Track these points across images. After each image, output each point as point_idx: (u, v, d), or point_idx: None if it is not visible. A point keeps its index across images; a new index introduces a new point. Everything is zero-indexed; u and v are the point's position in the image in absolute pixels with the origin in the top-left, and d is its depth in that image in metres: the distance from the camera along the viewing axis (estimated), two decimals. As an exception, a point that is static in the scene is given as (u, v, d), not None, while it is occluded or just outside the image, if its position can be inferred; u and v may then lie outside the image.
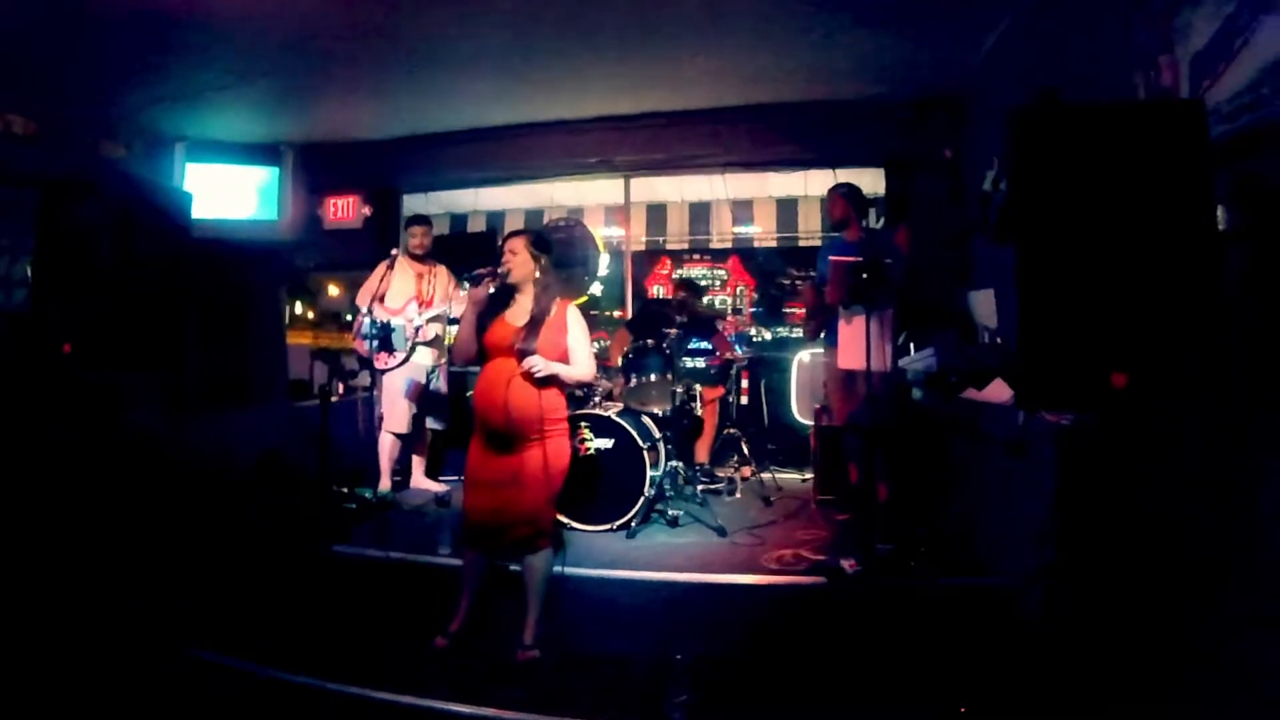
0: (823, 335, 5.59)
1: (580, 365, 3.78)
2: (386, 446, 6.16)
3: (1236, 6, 2.68)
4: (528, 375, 3.61)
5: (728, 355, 7.15)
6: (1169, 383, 2.43)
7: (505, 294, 3.82)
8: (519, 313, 3.77)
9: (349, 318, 7.08)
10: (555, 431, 3.74)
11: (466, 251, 7.45)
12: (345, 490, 5.84)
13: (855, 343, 4.67)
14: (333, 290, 11.03)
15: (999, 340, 4.93)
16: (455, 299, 6.34)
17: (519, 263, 3.77)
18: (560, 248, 8.24)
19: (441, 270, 6.40)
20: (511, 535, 3.66)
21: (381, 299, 5.79)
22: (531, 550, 3.70)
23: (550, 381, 3.70)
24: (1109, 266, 2.42)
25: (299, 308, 10.05)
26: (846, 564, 4.26)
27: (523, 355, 3.61)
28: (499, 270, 3.77)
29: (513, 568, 3.85)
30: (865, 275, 4.62)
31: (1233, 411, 2.60)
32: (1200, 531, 2.75)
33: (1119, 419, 2.71)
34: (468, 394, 7.61)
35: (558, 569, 3.89)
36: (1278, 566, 2.39)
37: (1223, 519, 2.69)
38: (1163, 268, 2.39)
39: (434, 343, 6.27)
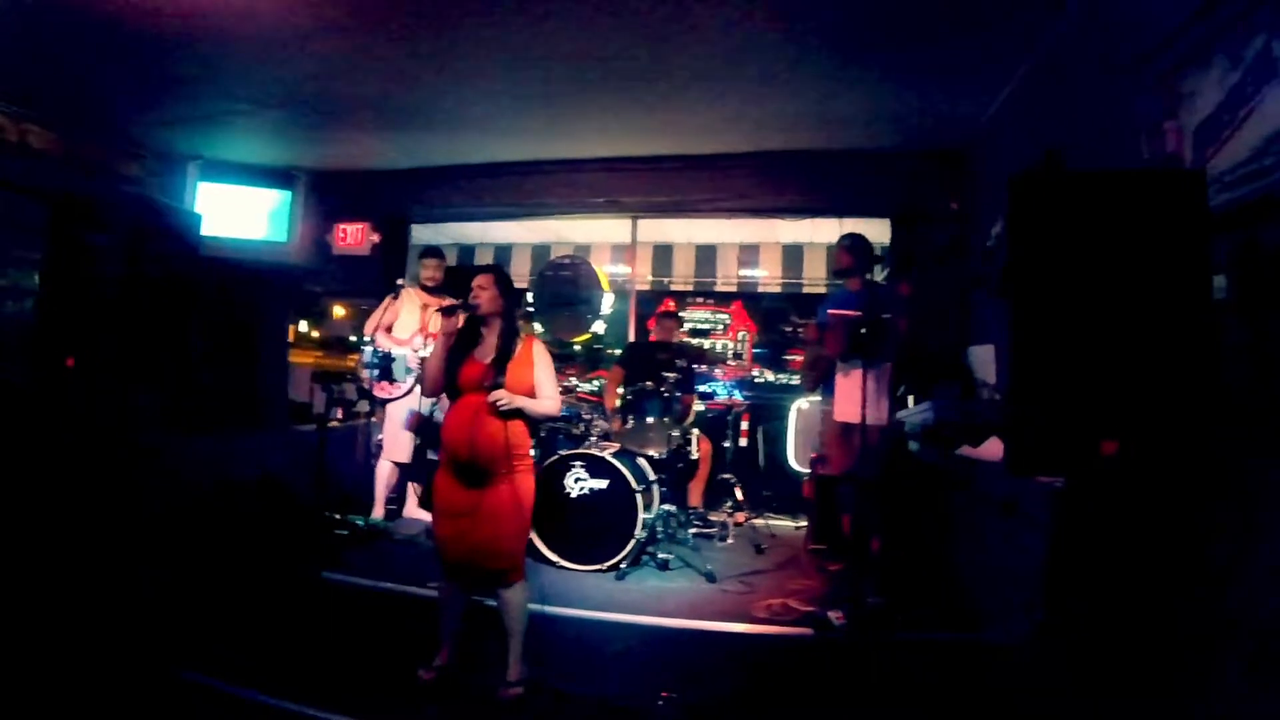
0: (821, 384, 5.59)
1: (546, 400, 3.84)
2: (384, 475, 6.15)
3: (1242, 75, 2.71)
4: (494, 409, 3.65)
5: (692, 403, 7.11)
6: (1161, 451, 2.43)
7: (474, 332, 3.86)
8: (486, 349, 3.83)
9: (354, 339, 7.10)
10: (522, 467, 3.78)
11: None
12: (338, 516, 5.83)
13: (852, 396, 4.67)
14: (338, 311, 11.07)
15: (997, 397, 4.92)
16: None
17: (487, 298, 3.83)
18: (564, 285, 8.37)
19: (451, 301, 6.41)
20: (483, 568, 3.69)
21: (388, 329, 5.82)
22: (505, 585, 3.70)
23: (516, 415, 3.74)
24: (1104, 332, 2.42)
25: (304, 326, 10.07)
26: (834, 616, 4.23)
27: (491, 391, 3.67)
28: (469, 303, 3.81)
29: (490, 603, 3.83)
30: (864, 330, 4.64)
31: (1225, 482, 2.59)
32: (1188, 599, 2.74)
33: (1109, 485, 2.69)
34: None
35: (548, 608, 3.88)
36: (1264, 633, 2.37)
37: (1211, 589, 2.67)
38: (1158, 335, 2.39)
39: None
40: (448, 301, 3.95)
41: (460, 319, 3.84)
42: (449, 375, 3.79)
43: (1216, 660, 2.53)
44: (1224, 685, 2.50)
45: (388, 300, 5.92)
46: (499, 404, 3.64)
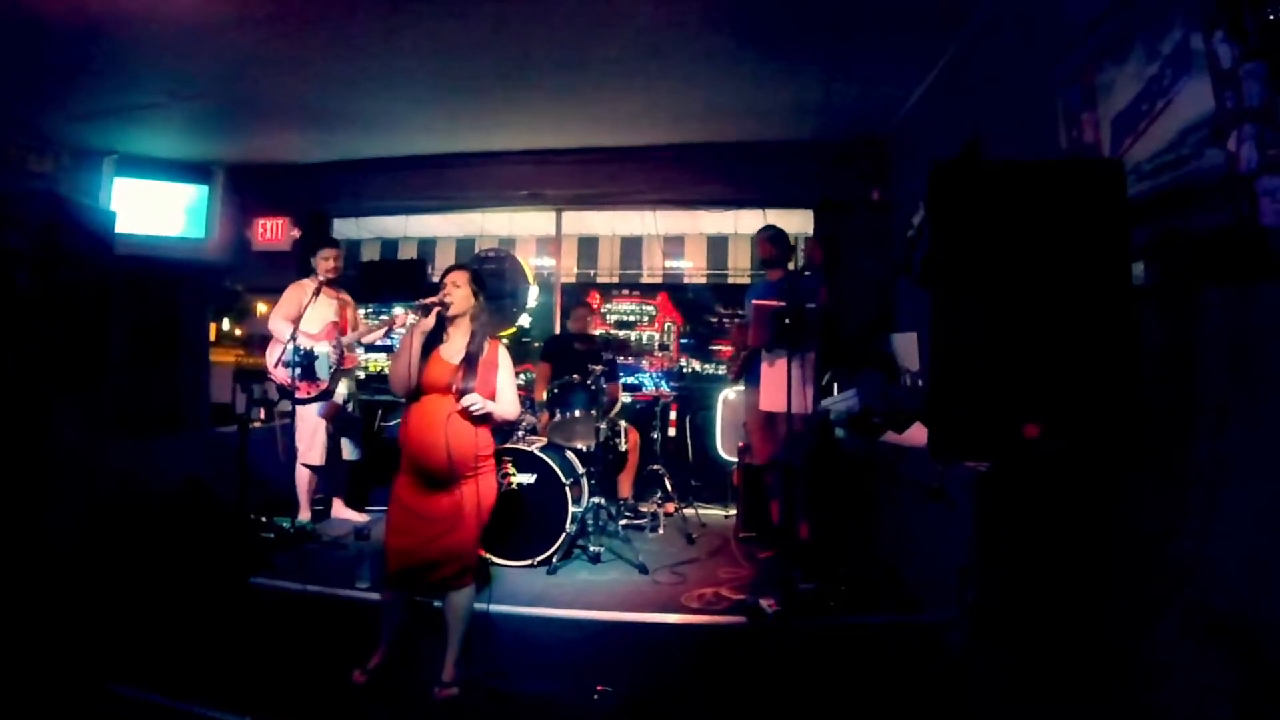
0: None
1: (507, 404, 3.77)
2: (304, 480, 6.00)
3: (1160, 67, 2.78)
4: (464, 413, 3.57)
5: (618, 393, 7.11)
6: (1082, 434, 2.49)
7: (437, 330, 3.74)
8: (454, 350, 3.70)
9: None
10: (486, 468, 3.72)
11: (396, 278, 7.34)
12: (264, 520, 5.68)
13: (777, 384, 4.71)
14: (261, 308, 10.83)
15: (920, 383, 5.01)
16: (363, 327, 6.29)
17: (460, 296, 3.71)
18: (490, 279, 8.27)
19: (348, 296, 6.27)
20: (438, 573, 3.59)
21: (295, 323, 5.63)
22: (456, 588, 3.63)
23: (484, 419, 3.68)
24: (1024, 319, 2.47)
25: (226, 325, 9.80)
26: (766, 603, 4.26)
27: (462, 394, 3.57)
28: (443, 301, 3.70)
29: (435, 604, 3.76)
30: (787, 320, 4.67)
31: (1145, 463, 2.67)
32: (1113, 578, 2.82)
33: (1033, 468, 2.75)
34: (376, 426, 7.49)
35: (481, 606, 3.81)
36: (1194, 609, 2.46)
37: (1133, 565, 2.75)
38: (1078, 321, 2.45)
39: (349, 372, 6.16)
40: (426, 300, 3.74)
41: (434, 317, 3.70)
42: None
43: (1146, 634, 2.61)
44: (1153, 658, 2.59)
45: (301, 291, 5.75)
46: (473, 409, 3.56)
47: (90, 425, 5.05)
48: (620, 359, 7.42)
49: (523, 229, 10.31)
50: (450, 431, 3.55)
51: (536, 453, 5.26)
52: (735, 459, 6.61)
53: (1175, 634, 2.51)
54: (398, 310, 6.16)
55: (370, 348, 8.33)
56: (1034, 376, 2.49)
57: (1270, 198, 2.23)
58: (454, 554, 3.58)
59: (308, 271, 6.14)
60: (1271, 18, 2.20)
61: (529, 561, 5.15)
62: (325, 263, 6.00)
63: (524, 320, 8.51)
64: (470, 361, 3.65)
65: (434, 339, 3.71)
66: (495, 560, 5.13)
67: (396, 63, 5.42)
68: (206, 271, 7.89)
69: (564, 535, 5.14)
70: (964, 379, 2.54)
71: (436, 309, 3.68)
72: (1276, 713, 2.12)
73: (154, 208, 7.42)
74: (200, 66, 5.44)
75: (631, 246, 11.10)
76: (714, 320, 9.77)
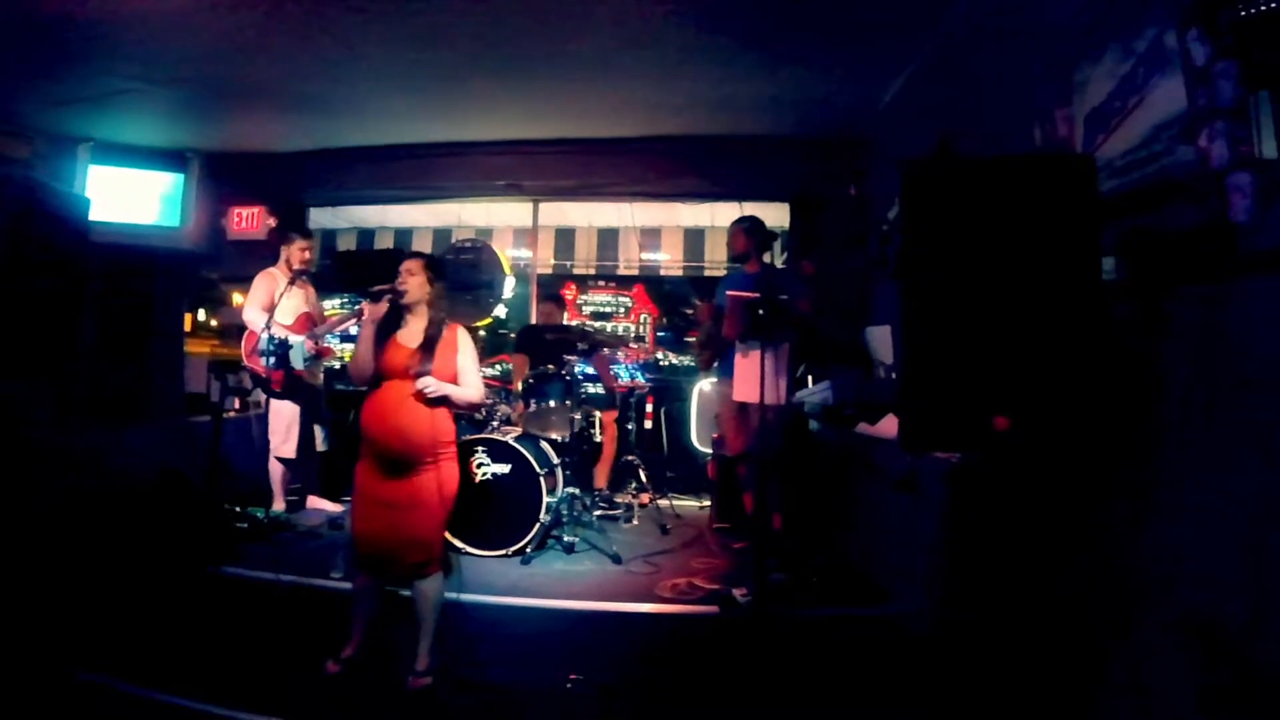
0: (716, 365, 5.63)
1: (470, 387, 3.77)
2: (278, 470, 5.97)
3: (1134, 65, 2.82)
4: (420, 396, 3.58)
5: (611, 382, 7.14)
6: (1050, 428, 2.52)
7: (396, 316, 3.75)
8: (412, 335, 3.72)
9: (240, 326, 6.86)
10: (446, 455, 3.70)
11: (373, 268, 7.29)
12: (237, 509, 5.65)
13: (750, 376, 4.72)
14: (236, 298, 10.76)
15: (894, 376, 5.05)
16: (335, 317, 6.31)
17: (416, 284, 3.72)
18: (466, 269, 8.26)
19: (312, 287, 6.25)
20: (403, 561, 3.59)
21: (270, 313, 5.61)
22: (423, 576, 3.62)
23: (442, 403, 3.67)
24: (996, 312, 2.50)
25: (202, 315, 9.71)
26: (739, 593, 4.29)
27: (419, 378, 3.58)
28: (397, 289, 3.71)
29: (404, 593, 3.76)
30: (762, 311, 4.69)
31: (1114, 457, 2.72)
32: (1078, 570, 2.86)
33: (1002, 460, 2.79)
34: (351, 417, 7.47)
35: (453, 595, 3.82)
36: (1149, 598, 2.50)
37: (1100, 558, 2.80)
38: (1047, 316, 2.48)
39: (320, 360, 6.15)
40: (379, 288, 3.74)
41: (386, 305, 3.71)
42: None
43: (1112, 626, 2.66)
44: (1119, 650, 2.63)
45: (272, 280, 5.73)
46: (427, 391, 3.56)
47: (61, 412, 5.00)
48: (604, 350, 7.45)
49: (500, 220, 10.28)
50: (405, 415, 3.57)
51: (511, 443, 5.26)
52: (710, 451, 6.64)
53: (1142, 627, 2.56)
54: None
55: (345, 337, 8.30)
56: (1005, 370, 2.52)
57: (1240, 194, 2.27)
58: (417, 542, 3.58)
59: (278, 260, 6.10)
60: (1244, 15, 2.23)
61: (503, 551, 5.15)
62: (302, 253, 5.98)
63: (500, 311, 8.49)
64: (427, 346, 3.66)
65: (393, 327, 3.73)
66: (470, 550, 5.13)
67: (375, 50, 5.38)
68: (181, 260, 7.80)
69: (538, 525, 5.15)
70: (936, 371, 2.57)
71: (388, 296, 3.70)
72: (1244, 703, 2.16)
73: (129, 195, 7.32)
74: (177, 51, 5.37)
75: (608, 238, 11.08)
76: (690, 312, 9.81)
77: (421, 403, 3.60)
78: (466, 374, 3.76)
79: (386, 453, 3.59)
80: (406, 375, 3.60)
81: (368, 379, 3.72)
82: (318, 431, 6.15)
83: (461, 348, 3.78)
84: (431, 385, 3.57)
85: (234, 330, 9.33)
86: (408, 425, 3.56)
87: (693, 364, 9.23)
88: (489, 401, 5.85)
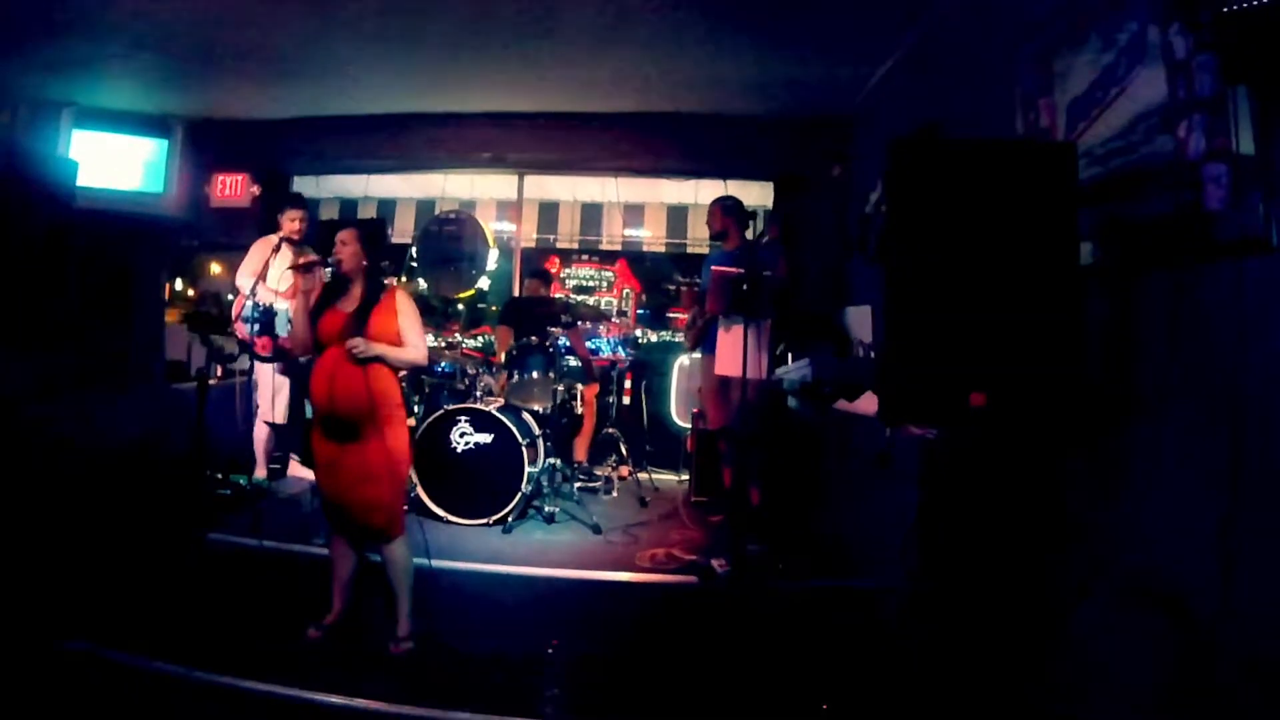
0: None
1: (412, 348, 3.78)
2: (262, 437, 5.98)
3: (1115, 56, 2.88)
4: (350, 357, 3.58)
5: (585, 355, 7.18)
6: (1025, 405, 2.61)
7: (340, 285, 3.79)
8: (351, 302, 3.75)
9: (230, 298, 6.82)
10: (393, 419, 3.72)
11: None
12: (220, 477, 5.67)
13: (732, 351, 4.79)
14: (215, 268, 10.64)
15: (872, 355, 5.13)
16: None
17: (349, 254, 3.74)
18: (449, 240, 8.25)
19: (314, 255, 6.19)
20: (365, 523, 3.65)
21: (263, 280, 5.61)
22: (386, 540, 3.68)
23: (377, 364, 3.67)
24: (975, 292, 2.57)
25: (179, 284, 9.62)
26: (717, 564, 4.38)
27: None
28: (329, 260, 3.75)
29: (374, 558, 3.81)
30: (745, 287, 4.74)
31: (1088, 435, 2.81)
32: (1051, 546, 2.96)
33: (977, 435, 2.87)
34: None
35: (439, 563, 3.87)
36: (1128, 574, 2.60)
37: (1072, 534, 2.90)
38: (1025, 298, 2.55)
39: None
40: (307, 258, 3.85)
41: (320, 275, 3.76)
42: (313, 329, 3.73)
43: (1082, 599, 2.76)
44: (1088, 622, 2.73)
45: (265, 247, 5.71)
46: (355, 351, 3.55)
47: (42, 380, 4.98)
48: (581, 324, 7.47)
49: (484, 192, 10.25)
50: (341, 379, 3.59)
51: (494, 413, 5.32)
52: (689, 425, 6.71)
53: (1109, 600, 2.66)
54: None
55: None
56: (982, 349, 2.58)
57: (1215, 183, 2.34)
58: (372, 504, 3.62)
59: (270, 229, 6.08)
60: (1225, 11, 2.29)
61: (484, 520, 5.21)
62: (291, 223, 5.96)
63: (483, 283, 8.50)
64: (361, 311, 3.68)
65: (336, 296, 3.78)
66: (450, 518, 5.19)
67: (361, 20, 5.35)
68: (163, 227, 7.72)
69: (519, 495, 5.22)
70: (915, 348, 2.63)
71: (318, 268, 3.78)
72: (1204, 671, 2.26)
73: (112, 161, 7.23)
74: (160, 16, 5.29)
75: (592, 213, 11.10)
76: (672, 289, 9.87)
77: (356, 365, 3.60)
78: (408, 334, 3.77)
79: (326, 416, 3.64)
80: (342, 341, 3.62)
81: (307, 349, 3.80)
82: (306, 401, 6.15)
83: (401, 310, 3.78)
84: (360, 345, 3.57)
85: (211, 299, 9.27)
86: (343, 388, 3.58)
87: (674, 340, 9.30)
88: (470, 372, 5.90)
